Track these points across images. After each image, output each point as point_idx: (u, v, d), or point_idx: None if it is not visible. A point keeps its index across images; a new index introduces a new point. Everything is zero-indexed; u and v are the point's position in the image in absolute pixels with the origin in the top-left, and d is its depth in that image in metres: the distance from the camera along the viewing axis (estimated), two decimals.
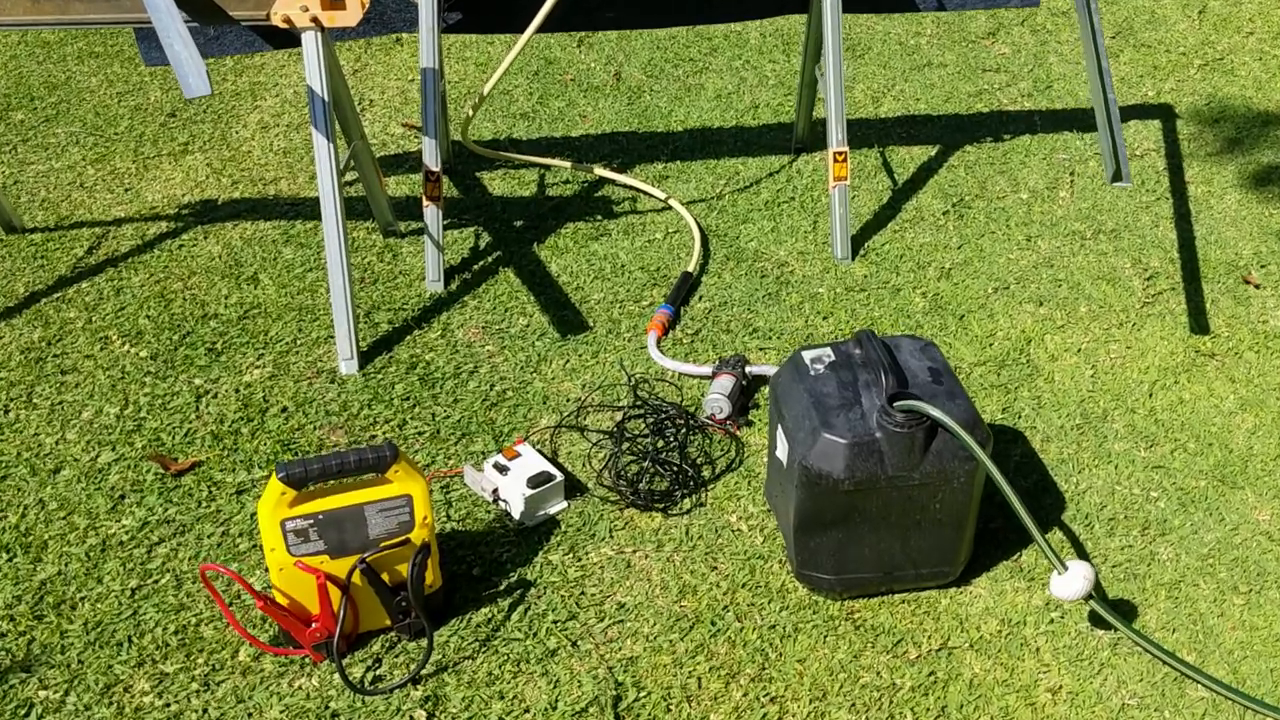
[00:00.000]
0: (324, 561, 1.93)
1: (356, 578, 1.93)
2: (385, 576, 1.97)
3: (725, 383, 2.48)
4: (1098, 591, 2.01)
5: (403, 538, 1.95)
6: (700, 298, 2.88)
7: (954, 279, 2.94)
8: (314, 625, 1.95)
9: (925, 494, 1.95)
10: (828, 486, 1.92)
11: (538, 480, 2.24)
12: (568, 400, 2.55)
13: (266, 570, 2.00)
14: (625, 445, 2.40)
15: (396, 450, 1.92)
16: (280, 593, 1.95)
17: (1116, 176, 2.25)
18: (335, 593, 1.95)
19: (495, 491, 2.27)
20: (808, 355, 2.07)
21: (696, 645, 2.02)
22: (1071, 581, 1.89)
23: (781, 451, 2.04)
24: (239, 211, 3.20)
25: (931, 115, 3.65)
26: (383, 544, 1.94)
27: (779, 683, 1.96)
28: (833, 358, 2.06)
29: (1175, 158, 3.44)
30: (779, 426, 2.05)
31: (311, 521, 1.91)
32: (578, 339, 2.74)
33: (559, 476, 2.26)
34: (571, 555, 2.19)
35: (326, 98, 2.55)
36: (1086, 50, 2.49)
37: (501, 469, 2.27)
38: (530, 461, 2.29)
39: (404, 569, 1.97)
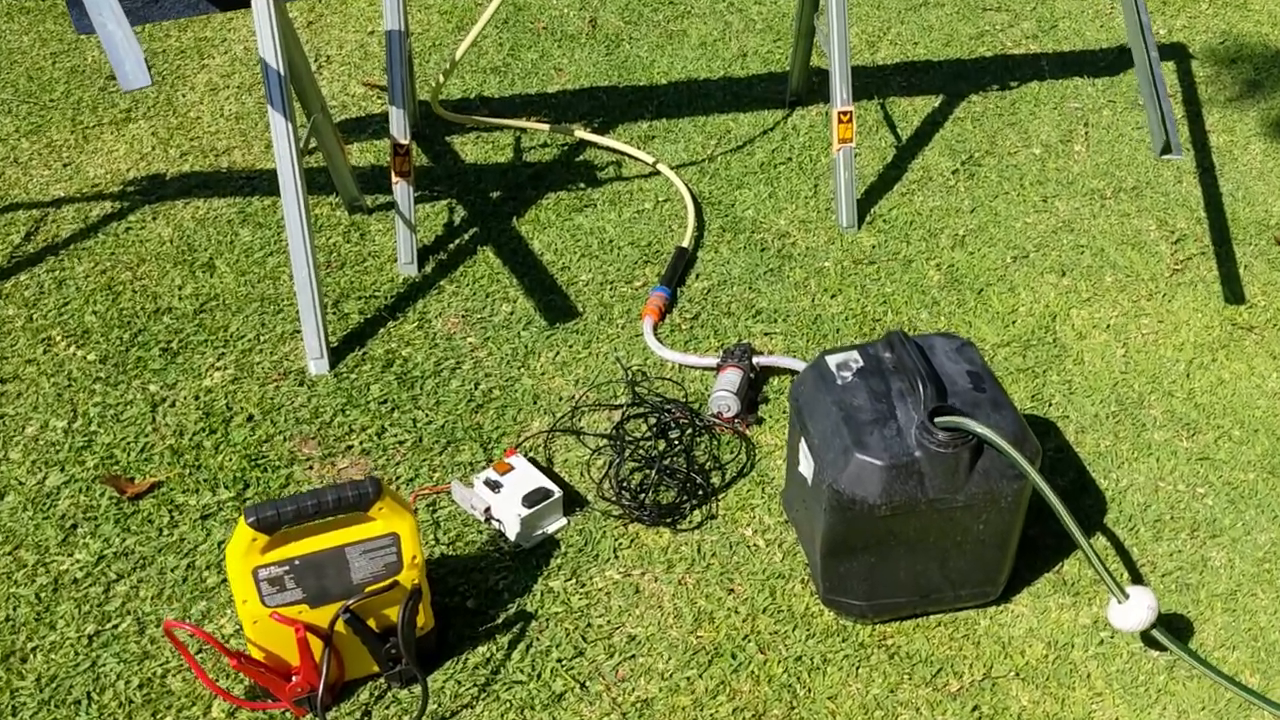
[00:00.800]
0: (303, 611, 1.73)
1: (340, 626, 1.73)
2: (372, 622, 1.77)
3: (732, 377, 2.28)
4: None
5: (390, 580, 1.75)
6: (697, 276, 2.66)
7: (969, 247, 2.74)
8: (294, 679, 1.76)
9: (968, 515, 1.77)
10: (861, 512, 1.73)
11: (534, 498, 2.04)
12: (560, 399, 2.34)
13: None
14: (626, 451, 2.20)
15: (380, 485, 1.70)
16: (255, 646, 1.75)
17: (1166, 149, 2.04)
18: (317, 643, 1.75)
19: (488, 511, 2.07)
20: (833, 361, 1.86)
21: (717, 683, 1.84)
22: (1133, 612, 1.72)
23: (806, 468, 1.85)
24: (190, 187, 2.93)
25: (932, 61, 3.41)
26: (368, 589, 1.74)
27: None
28: (861, 363, 1.85)
29: (1193, 104, 3.23)
30: (802, 441, 1.85)
31: (287, 568, 1.71)
32: (567, 327, 2.52)
33: (557, 492, 2.06)
34: (574, 581, 2.00)
35: (282, 70, 2.29)
36: (1126, 7, 2.26)
37: (493, 486, 2.07)
38: (524, 475, 2.09)
39: (392, 613, 1.77)
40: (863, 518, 1.74)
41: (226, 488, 2.16)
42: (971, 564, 1.84)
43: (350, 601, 1.73)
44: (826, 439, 1.78)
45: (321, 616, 1.74)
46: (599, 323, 2.53)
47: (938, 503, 1.73)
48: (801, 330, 2.50)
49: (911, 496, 1.72)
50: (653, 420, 2.27)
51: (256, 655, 1.75)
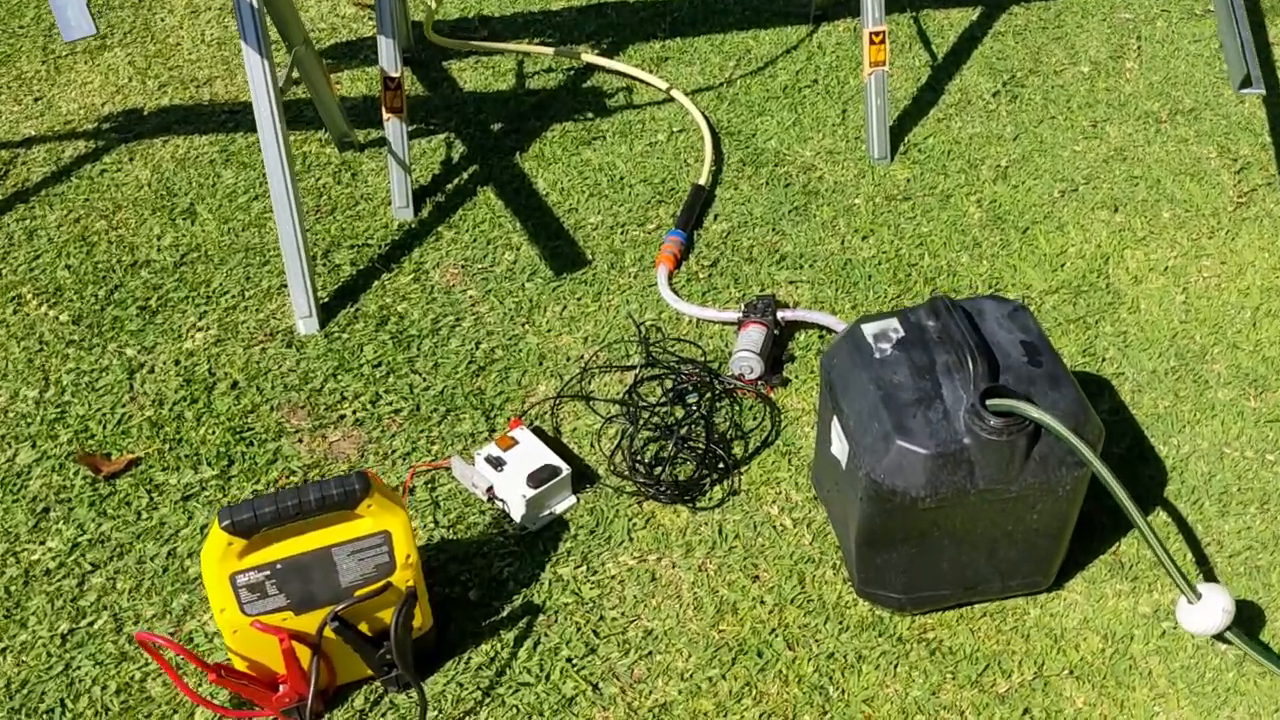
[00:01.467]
0: (287, 618, 1.58)
1: (328, 633, 1.58)
2: (364, 626, 1.62)
3: (754, 335, 2.09)
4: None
5: (382, 583, 1.59)
6: (715, 217, 2.45)
7: (1012, 180, 2.51)
8: (282, 689, 1.61)
9: (1021, 505, 1.59)
10: (902, 504, 1.55)
11: (540, 477, 1.87)
12: (568, 360, 2.16)
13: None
14: (640, 420, 2.02)
15: (368, 481, 1.54)
16: (237, 655, 1.60)
17: (1246, 82, 1.81)
18: (304, 650, 1.60)
19: (490, 490, 1.90)
20: (869, 330, 1.67)
21: (742, 685, 1.69)
22: (1207, 615, 1.56)
23: (839, 450, 1.67)
24: (169, 123, 2.72)
25: None
26: (358, 592, 1.58)
27: None
28: (901, 332, 1.66)
29: (1255, 13, 2.96)
30: (835, 420, 1.67)
31: (268, 573, 1.55)
32: (575, 278, 2.32)
33: (565, 469, 1.89)
34: (585, 567, 1.84)
35: (255, 2, 2.06)
36: None
37: (496, 463, 1.90)
38: (529, 450, 1.92)
39: (386, 615, 1.61)
40: (903, 510, 1.56)
41: (209, 464, 1.99)
42: (1022, 554, 1.67)
43: (339, 607, 1.57)
44: (863, 421, 1.59)
45: (308, 623, 1.58)
46: (609, 271, 2.34)
47: (988, 494, 1.55)
48: (830, 277, 2.30)
49: (960, 488, 1.53)
50: (668, 384, 2.09)
51: (239, 665, 1.61)
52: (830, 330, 2.16)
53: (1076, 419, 1.54)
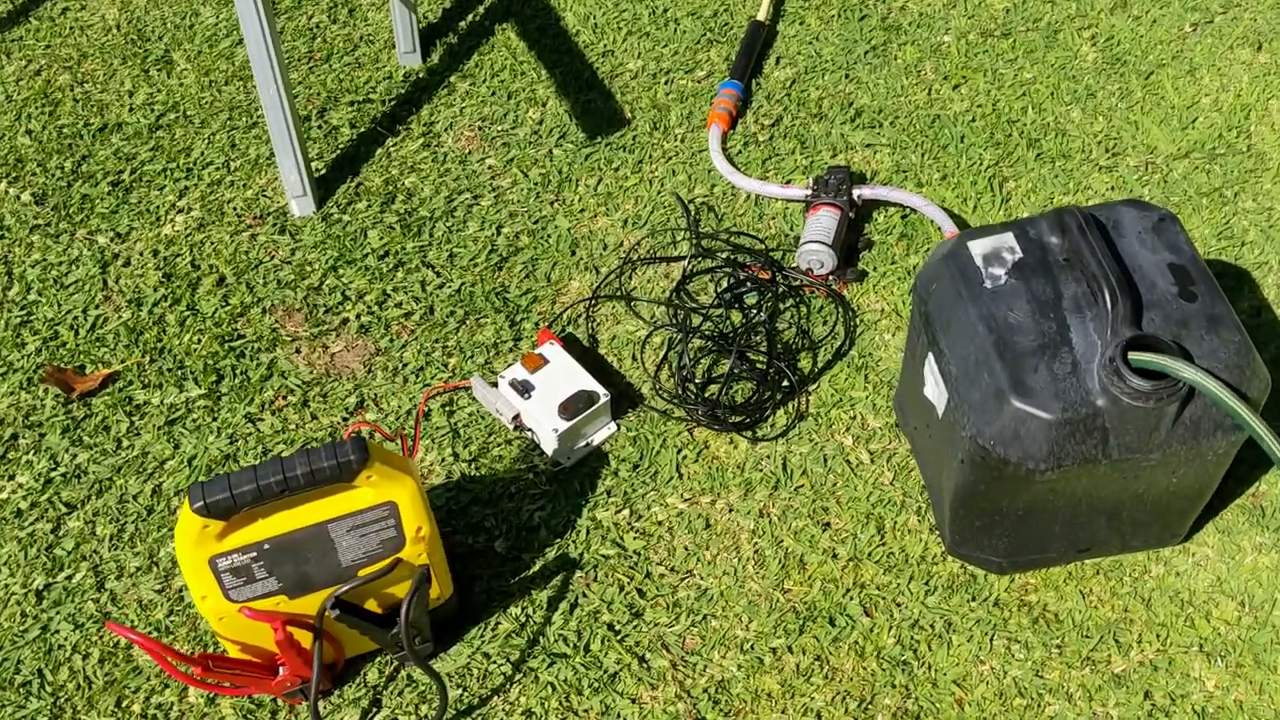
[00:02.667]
0: (280, 603, 1.35)
1: (329, 617, 1.35)
2: (372, 604, 1.39)
3: (825, 223, 1.76)
4: None
5: (389, 560, 1.35)
6: (778, 60, 2.07)
7: (1133, 10, 2.10)
8: (282, 671, 1.40)
9: (1160, 471, 1.30)
10: (1015, 474, 1.27)
11: (574, 405, 1.59)
12: (604, 248, 1.85)
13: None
14: (689, 328, 1.72)
15: (365, 447, 1.27)
16: (227, 640, 1.38)
17: None
18: (304, 633, 1.37)
19: (517, 419, 1.63)
20: (978, 249, 1.34)
21: (812, 659, 1.46)
22: None
23: (934, 395, 1.37)
24: None
25: None
26: (362, 572, 1.34)
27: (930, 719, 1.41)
28: (1018, 253, 1.33)
29: None
30: (930, 357, 1.37)
31: (255, 554, 1.31)
32: (611, 141, 1.98)
33: (603, 395, 1.61)
34: (628, 511, 1.58)
35: None
36: None
37: (523, 388, 1.62)
38: (561, 371, 1.64)
39: (399, 589, 1.38)
40: (1016, 480, 1.28)
41: (197, 381, 1.73)
42: (1152, 516, 1.40)
43: (339, 590, 1.34)
44: (969, 370, 1.29)
45: (306, 606, 1.35)
46: (652, 133, 1.99)
47: (1123, 463, 1.26)
48: (914, 138, 1.94)
49: (1088, 457, 1.24)
50: (723, 282, 1.78)
51: (232, 651, 1.39)
52: (915, 211, 1.82)
53: (1240, 372, 1.23)
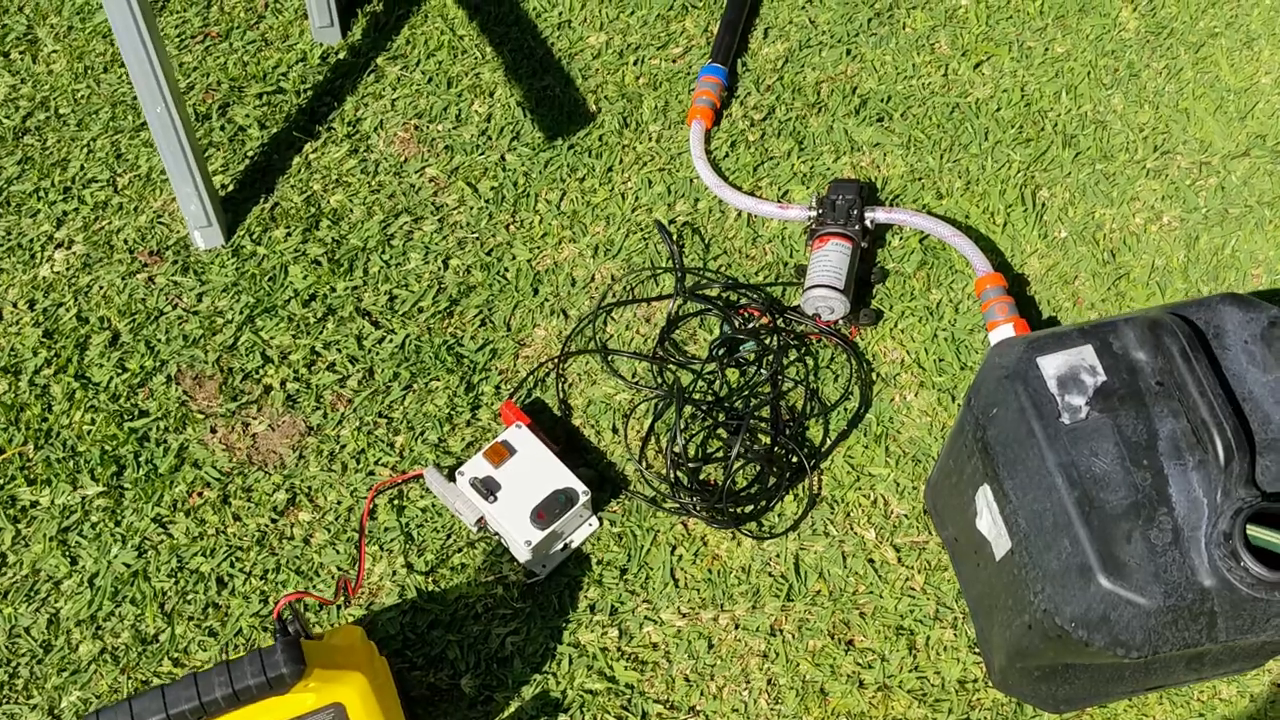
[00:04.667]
0: None
1: None
2: None
3: (835, 258, 1.48)
4: None
5: None
6: (766, 33, 1.76)
7: None
8: None
9: (1254, 647, 1.08)
10: (1099, 655, 1.04)
11: (551, 509, 1.34)
12: (572, 285, 1.56)
13: None
14: (679, 391, 1.46)
15: (299, 654, 1.02)
16: None
17: None
18: None
19: (480, 521, 1.38)
20: (1050, 368, 1.08)
21: None
22: None
23: (990, 530, 1.14)
24: None
25: None
26: None
27: None
28: (1101, 375, 1.07)
29: None
30: (986, 486, 1.13)
31: None
32: (575, 143, 1.67)
33: (583, 493, 1.36)
34: (616, 631, 1.35)
35: None
36: None
37: (486, 489, 1.36)
38: (531, 463, 1.38)
39: None
40: (1098, 657, 1.06)
41: (93, 475, 1.45)
42: (1237, 657, 1.19)
43: None
44: (1043, 530, 1.05)
45: None
46: (622, 131, 1.68)
47: (1231, 643, 1.04)
48: (930, 134, 1.65)
49: (1191, 642, 1.02)
50: (715, 330, 1.51)
51: None
52: (940, 239, 1.55)
53: None
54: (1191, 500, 1.02)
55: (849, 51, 1.73)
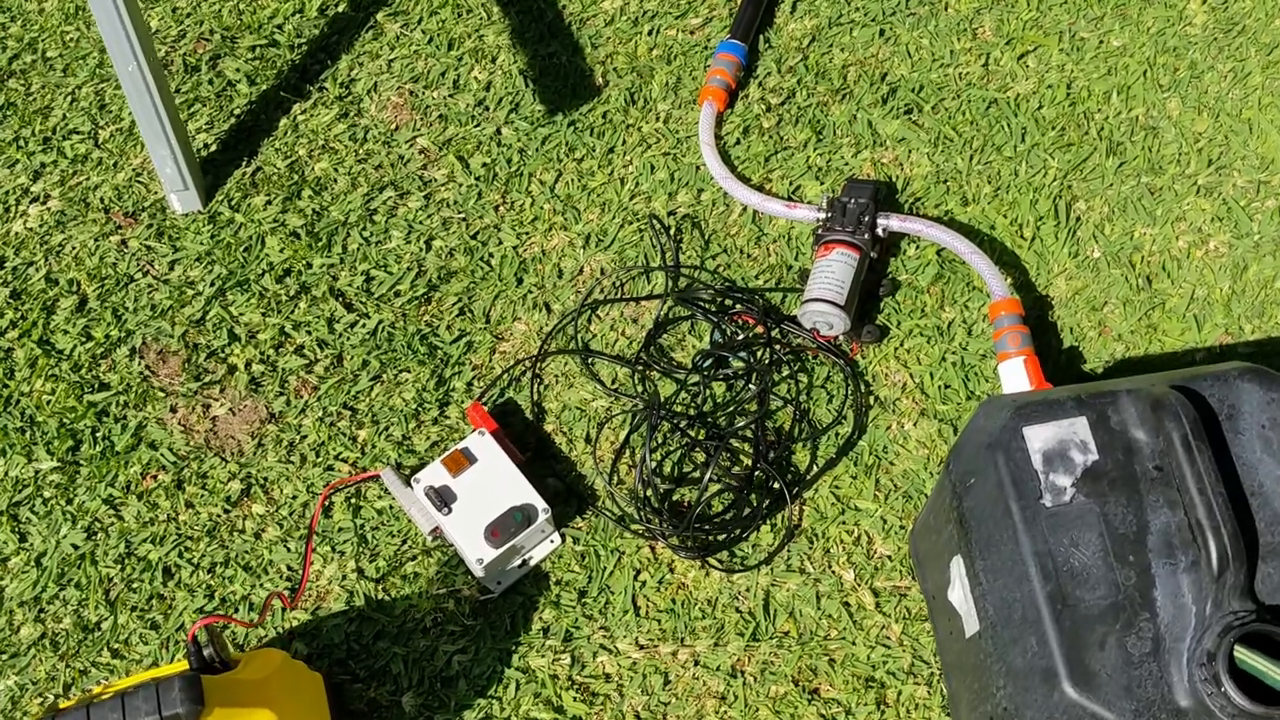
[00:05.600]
0: None
1: None
2: None
3: (839, 269, 1.36)
4: None
5: None
6: (794, 9, 1.62)
7: None
8: None
9: None
10: None
11: (506, 527, 1.26)
12: (559, 277, 1.46)
13: None
14: (658, 405, 1.37)
15: (198, 694, 0.96)
16: None
17: None
18: None
19: (436, 531, 1.31)
20: (1037, 440, 0.97)
21: None
22: None
23: (960, 604, 1.04)
24: None
25: None
26: None
27: None
28: (1093, 453, 0.96)
29: None
30: (959, 559, 1.02)
31: None
32: (576, 119, 1.56)
33: (542, 510, 1.28)
34: (569, 658, 1.28)
35: None
36: None
37: (441, 499, 1.28)
38: (491, 474, 1.30)
39: None
40: None
41: (49, 449, 1.40)
42: None
43: None
44: (1010, 621, 0.95)
45: None
46: (628, 109, 1.56)
47: None
48: (962, 131, 1.51)
49: None
50: (703, 338, 1.41)
51: None
52: (957, 254, 1.42)
53: None
54: (1179, 606, 0.91)
55: (882, 32, 1.59)
